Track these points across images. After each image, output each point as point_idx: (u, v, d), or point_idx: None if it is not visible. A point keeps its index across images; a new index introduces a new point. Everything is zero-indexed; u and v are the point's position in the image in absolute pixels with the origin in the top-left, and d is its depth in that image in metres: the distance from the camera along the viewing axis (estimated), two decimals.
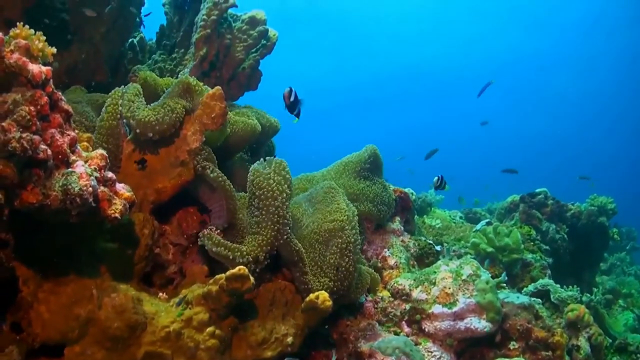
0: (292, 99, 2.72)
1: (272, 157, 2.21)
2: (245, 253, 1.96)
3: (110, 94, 2.14)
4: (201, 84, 2.14)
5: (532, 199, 4.72)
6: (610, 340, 3.60)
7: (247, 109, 2.81)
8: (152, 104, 2.03)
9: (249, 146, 2.69)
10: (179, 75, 2.76)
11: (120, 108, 2.04)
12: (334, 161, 3.20)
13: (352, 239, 2.21)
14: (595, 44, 23.38)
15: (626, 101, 25.89)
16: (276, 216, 2.03)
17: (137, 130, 1.97)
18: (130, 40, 3.33)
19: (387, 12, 24.88)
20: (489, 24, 25.21)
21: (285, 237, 2.05)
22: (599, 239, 4.98)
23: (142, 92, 2.10)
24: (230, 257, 1.94)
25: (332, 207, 2.31)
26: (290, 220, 2.09)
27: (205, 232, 2.03)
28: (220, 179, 2.05)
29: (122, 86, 2.12)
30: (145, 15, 3.49)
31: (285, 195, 2.07)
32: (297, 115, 2.78)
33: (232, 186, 2.09)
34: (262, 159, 2.20)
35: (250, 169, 2.15)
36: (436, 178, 4.04)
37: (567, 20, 23.07)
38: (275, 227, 2.03)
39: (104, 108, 2.12)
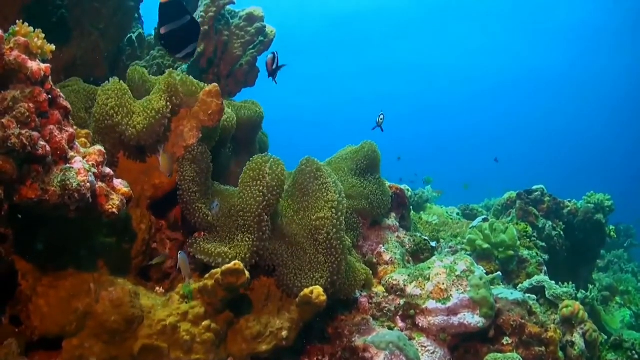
0: (274, 66, 2.71)
1: (270, 155, 2.18)
2: (229, 259, 1.94)
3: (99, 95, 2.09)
4: (195, 80, 2.15)
5: (528, 196, 4.72)
6: (606, 337, 3.63)
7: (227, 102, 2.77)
8: (139, 102, 2.04)
9: (233, 140, 2.65)
10: (178, 71, 2.74)
11: (109, 121, 2.02)
12: (330, 154, 3.20)
13: (337, 236, 2.18)
14: (594, 43, 23.37)
15: (627, 98, 25.88)
16: (258, 217, 2.03)
17: (132, 144, 2.00)
18: (129, 35, 3.34)
19: (385, 9, 24.83)
20: (490, 27, 25.24)
21: (262, 252, 2.06)
22: (596, 236, 4.97)
23: (126, 90, 2.07)
24: (213, 265, 1.95)
25: (318, 199, 2.28)
26: (269, 230, 2.08)
27: (191, 239, 2.06)
28: (178, 184, 2.03)
29: (109, 80, 2.10)
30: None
31: (272, 201, 2.06)
32: (274, 77, 2.75)
33: (192, 194, 2.05)
34: (266, 154, 2.18)
35: (249, 161, 2.13)
36: (381, 115, 3.97)
37: (566, 25, 23.14)
38: (257, 235, 2.03)
39: (95, 109, 2.08)
